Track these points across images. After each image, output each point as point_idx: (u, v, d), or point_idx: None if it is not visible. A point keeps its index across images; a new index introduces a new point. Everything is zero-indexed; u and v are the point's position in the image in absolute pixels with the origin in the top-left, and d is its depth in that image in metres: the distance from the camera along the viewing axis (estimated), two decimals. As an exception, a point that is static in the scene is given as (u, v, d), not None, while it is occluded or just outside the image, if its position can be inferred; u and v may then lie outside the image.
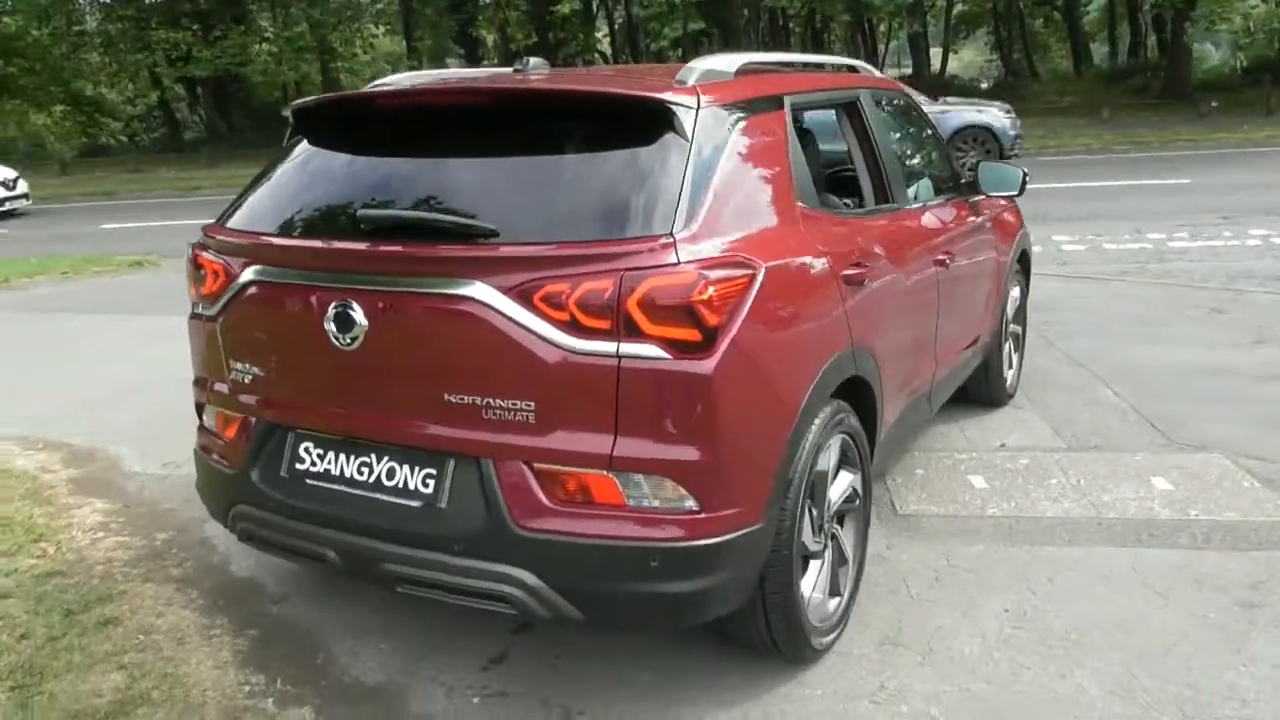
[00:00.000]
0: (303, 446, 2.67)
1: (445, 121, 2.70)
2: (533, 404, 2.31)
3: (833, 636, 2.89)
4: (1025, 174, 4.30)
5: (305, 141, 2.86)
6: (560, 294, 2.24)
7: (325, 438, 2.62)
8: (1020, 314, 5.21)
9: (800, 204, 2.78)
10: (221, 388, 2.82)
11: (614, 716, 2.67)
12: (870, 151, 3.52)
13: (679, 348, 2.25)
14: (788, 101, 2.93)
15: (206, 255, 2.78)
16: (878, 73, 4.06)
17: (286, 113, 2.91)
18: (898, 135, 3.92)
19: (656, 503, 2.32)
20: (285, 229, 2.65)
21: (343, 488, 2.58)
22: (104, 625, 3.13)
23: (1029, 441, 4.51)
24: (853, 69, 3.84)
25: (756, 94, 2.81)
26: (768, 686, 2.76)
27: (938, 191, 4.20)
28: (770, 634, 2.67)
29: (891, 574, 3.35)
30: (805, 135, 3.71)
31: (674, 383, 2.27)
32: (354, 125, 2.83)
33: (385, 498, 2.51)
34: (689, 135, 2.43)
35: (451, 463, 2.43)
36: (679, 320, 2.24)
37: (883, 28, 37.64)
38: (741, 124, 2.66)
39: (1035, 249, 9.71)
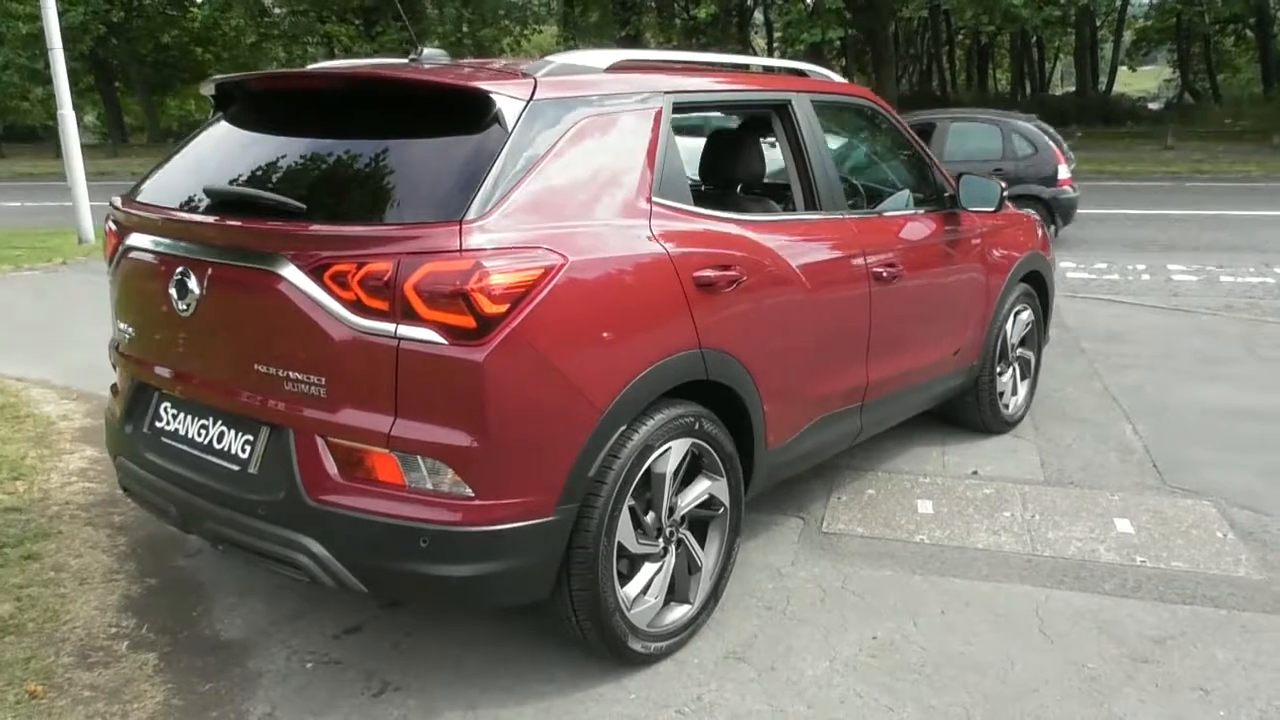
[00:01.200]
0: (163, 406, 2.83)
1: (306, 105, 2.82)
2: (324, 379, 2.39)
3: (669, 643, 2.84)
4: (1003, 189, 4.08)
5: (217, 118, 3.02)
6: (347, 273, 2.31)
7: (178, 399, 2.78)
8: (1033, 339, 4.94)
9: (661, 202, 2.75)
10: (114, 347, 3.02)
11: (423, 692, 2.71)
12: (799, 156, 3.43)
13: (454, 333, 2.28)
14: (667, 100, 2.89)
15: (109, 224, 2.98)
16: (836, 78, 3.93)
17: (205, 90, 3.08)
18: (845, 143, 3.80)
19: (432, 485, 2.36)
20: (160, 201, 2.81)
21: (185, 447, 2.72)
22: (25, 559, 3.39)
23: (1006, 472, 4.28)
24: (799, 72, 3.74)
25: (623, 90, 2.80)
26: (587, 686, 2.74)
27: (916, 204, 4.06)
28: (582, 631, 2.66)
29: (779, 590, 3.26)
30: (720, 134, 3.66)
31: (448, 368, 2.30)
32: (245, 105, 2.97)
33: (213, 459, 2.64)
34: (509, 126, 2.46)
35: (266, 431, 2.53)
36: (454, 307, 2.27)
37: (1056, 43, 35.99)
38: (591, 118, 2.66)
39: (1144, 277, 9.25)
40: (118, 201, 2.99)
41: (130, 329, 2.90)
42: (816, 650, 2.91)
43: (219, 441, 2.64)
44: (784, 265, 3.10)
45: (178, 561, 3.48)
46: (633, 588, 2.74)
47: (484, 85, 2.49)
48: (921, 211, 4.04)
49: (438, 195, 2.37)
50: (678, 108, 2.97)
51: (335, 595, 3.13)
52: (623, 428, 2.56)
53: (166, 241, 2.69)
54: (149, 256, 2.73)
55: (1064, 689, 2.72)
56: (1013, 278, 4.55)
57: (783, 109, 3.42)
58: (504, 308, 2.30)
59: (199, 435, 2.70)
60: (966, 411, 4.65)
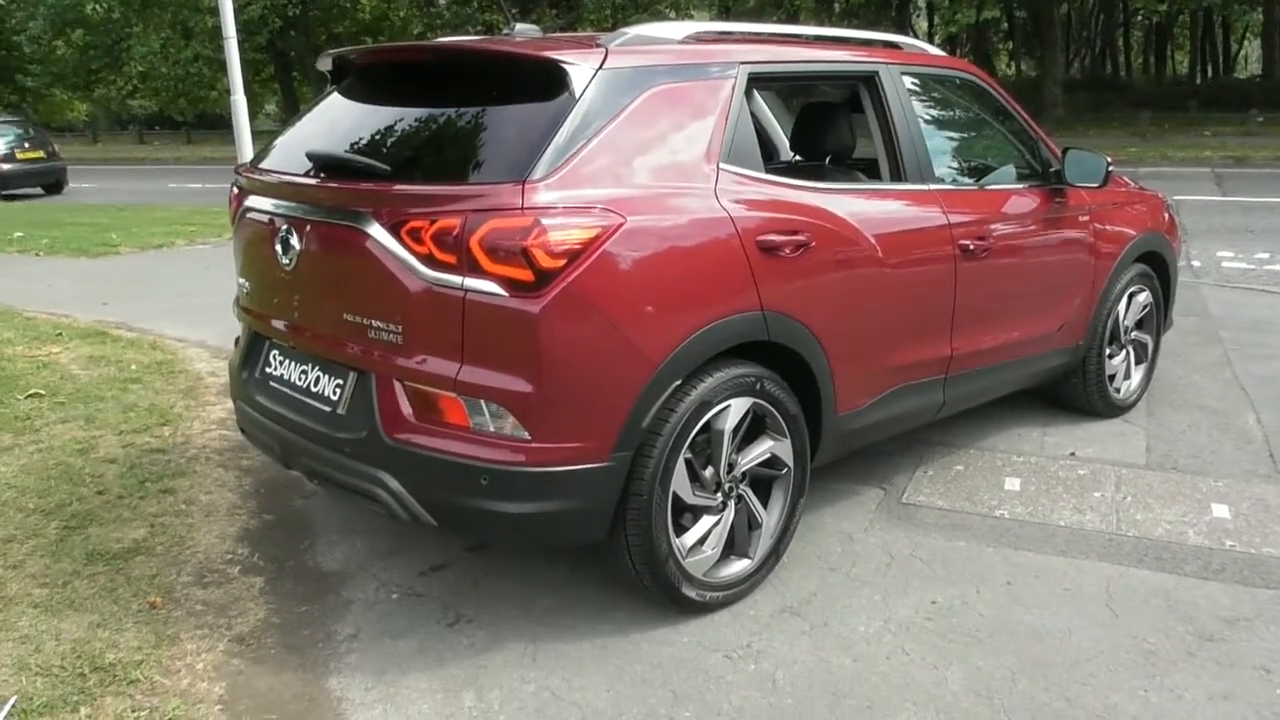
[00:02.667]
0: (272, 353, 3.14)
1: (403, 77, 3.05)
2: (401, 327, 2.61)
3: (726, 594, 2.96)
4: (1109, 163, 3.97)
5: (330, 92, 3.31)
6: (421, 229, 2.52)
7: (284, 347, 3.07)
8: (1151, 323, 4.77)
9: (729, 168, 2.85)
10: (236, 301, 3.35)
11: (492, 626, 2.91)
12: (886, 128, 3.46)
13: (514, 286, 2.46)
14: (743, 70, 2.99)
15: (232, 189, 3.31)
16: (933, 50, 3.91)
17: (323, 65, 3.37)
18: (940, 116, 3.78)
19: (494, 428, 2.55)
20: (273, 166, 3.11)
21: (288, 390, 3.01)
22: (163, 493, 3.79)
23: (1107, 454, 4.18)
24: (892, 45, 3.74)
25: (697, 60, 2.92)
26: (645, 628, 2.89)
27: (1019, 179, 4.01)
28: (637, 575, 2.80)
29: (846, 554, 3.32)
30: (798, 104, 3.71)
31: (508, 318, 2.48)
32: (353, 78, 3.23)
33: (310, 401, 2.91)
34: (577, 93, 2.61)
35: (353, 376, 2.78)
36: (514, 261, 2.44)
37: (1242, 21, 33.58)
38: (661, 87, 2.78)
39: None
40: (236, 169, 3.31)
41: (247, 284, 3.21)
42: (873, 610, 2.97)
43: (315, 385, 2.91)
44: (858, 234, 3.15)
45: (294, 502, 3.80)
46: (689, 537, 2.87)
47: (555, 55, 2.66)
48: (1022, 186, 3.98)
49: (507, 157, 2.56)
50: (755, 78, 3.06)
51: (426, 535, 3.38)
52: (678, 382, 2.68)
53: (273, 202, 2.97)
54: (261, 217, 3.02)
55: (1118, 660, 2.69)
56: (1126, 257, 4.42)
57: (870, 80, 3.45)
58: (561, 263, 2.46)
59: (300, 379, 2.97)
60: (1073, 393, 4.55)
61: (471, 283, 2.47)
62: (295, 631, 2.92)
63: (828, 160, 3.87)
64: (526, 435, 2.53)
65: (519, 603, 3.04)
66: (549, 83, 2.64)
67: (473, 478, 2.54)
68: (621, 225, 2.55)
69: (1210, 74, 34.48)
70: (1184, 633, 2.82)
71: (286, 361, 3.05)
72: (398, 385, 2.66)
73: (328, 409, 2.84)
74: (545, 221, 2.45)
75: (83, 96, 36.46)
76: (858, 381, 3.27)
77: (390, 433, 2.65)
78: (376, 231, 2.60)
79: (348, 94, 3.19)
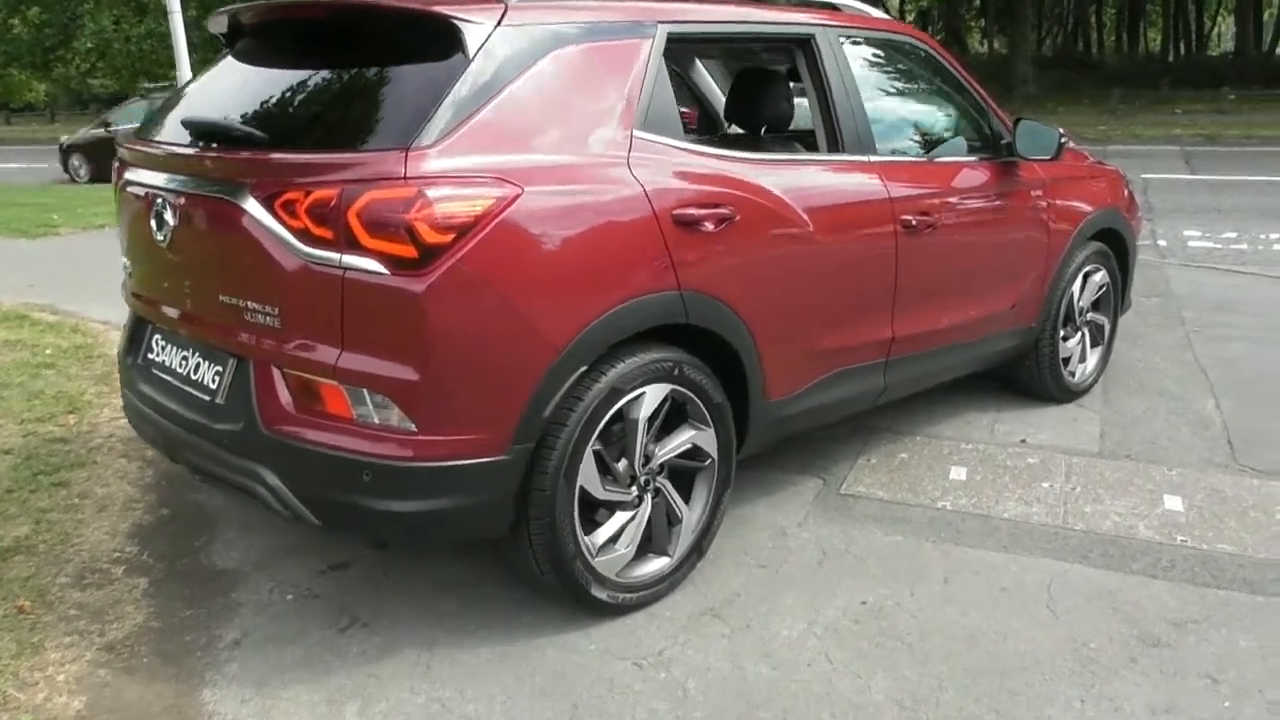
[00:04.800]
0: (154, 338, 2.89)
1: (295, 37, 2.80)
2: (278, 309, 2.38)
3: (641, 595, 2.76)
4: (1062, 135, 3.78)
5: (223, 55, 3.05)
6: (296, 201, 2.29)
7: (165, 330, 2.83)
8: (1108, 304, 4.59)
9: (644, 135, 2.63)
10: (123, 283, 3.10)
11: (387, 628, 2.71)
12: (822, 95, 3.25)
13: (396, 263, 2.23)
14: (661, 30, 2.76)
15: (115, 162, 3.05)
16: (875, 13, 3.69)
17: (215, 28, 3.11)
18: (880, 82, 3.57)
19: (378, 420, 2.33)
20: (154, 136, 2.85)
21: (169, 378, 2.77)
22: (56, 486, 3.54)
23: (1058, 441, 4.00)
24: (831, 6, 3.52)
25: (609, 18, 2.69)
26: (551, 632, 2.68)
27: (970, 152, 3.81)
28: (542, 575, 2.60)
29: (777, 549, 3.13)
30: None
31: (390, 299, 2.26)
32: (244, 40, 2.98)
33: (190, 390, 2.68)
34: (470, 52, 2.38)
35: (232, 362, 2.55)
36: (396, 235, 2.22)
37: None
38: (567, 45, 2.56)
39: (1276, 247, 8.53)
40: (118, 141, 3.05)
41: (129, 263, 2.96)
42: (799, 612, 2.78)
43: (195, 372, 2.68)
44: (788, 208, 2.94)
45: (195, 496, 3.57)
46: (601, 534, 2.67)
47: (448, 11, 2.42)
48: (971, 159, 3.78)
49: (394, 123, 2.33)
50: (677, 39, 2.83)
51: (330, 533, 3.15)
52: (584, 369, 2.47)
53: (149, 175, 2.73)
54: (139, 191, 2.78)
55: (1055, 667, 2.51)
56: (1081, 234, 4.23)
57: (805, 44, 3.23)
58: (448, 238, 2.23)
59: (180, 366, 2.74)
60: (1026, 377, 4.37)
61: (350, 260, 2.25)
62: (175, 637, 2.70)
63: (763, 131, 3.65)
64: (413, 427, 2.31)
65: (420, 605, 2.82)
66: (442, 41, 2.41)
67: (355, 473, 2.33)
68: (518, 197, 2.32)
69: (1183, 51, 34.45)
70: (1127, 636, 2.64)
71: (168, 347, 2.82)
72: (276, 373, 2.43)
73: (207, 398, 2.61)
74: (430, 193, 2.22)
75: (41, 76, 35.56)
76: (789, 366, 3.07)
77: (268, 424, 2.43)
78: (250, 205, 2.37)
79: (240, 57, 2.94)
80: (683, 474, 2.88)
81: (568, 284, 2.42)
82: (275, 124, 2.53)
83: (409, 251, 2.22)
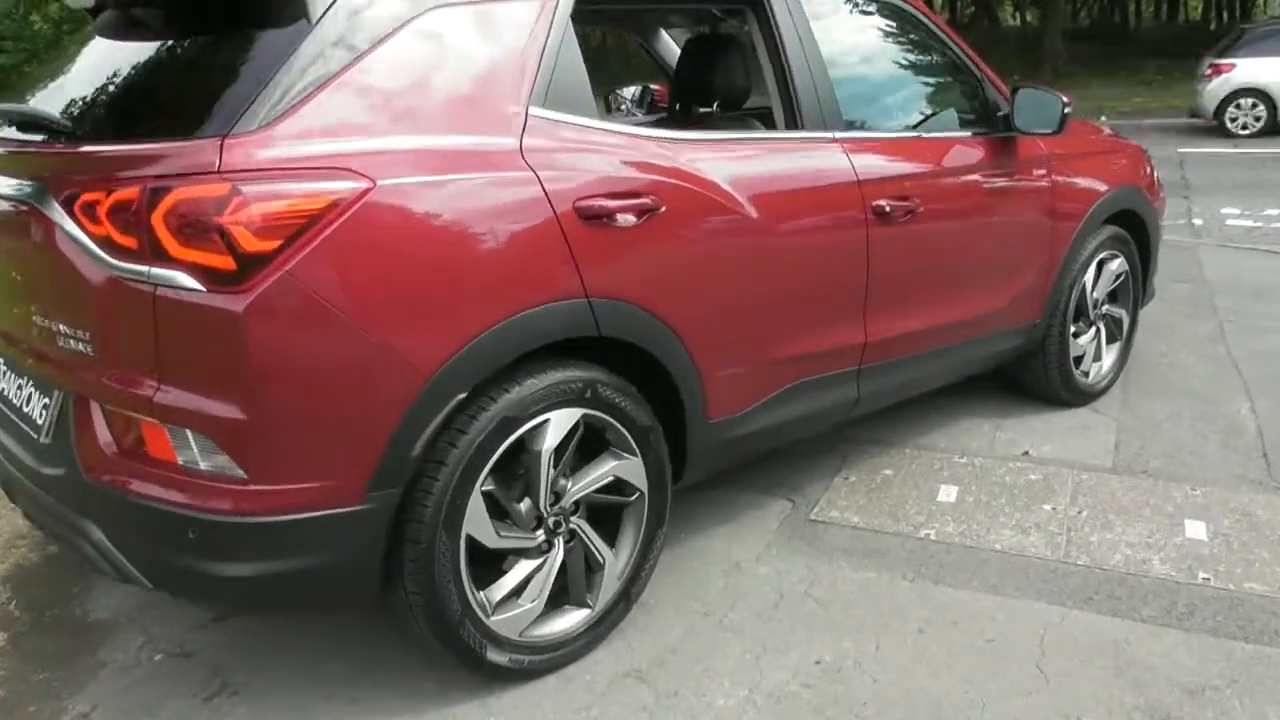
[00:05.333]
0: (-1, 361, 2.52)
1: (144, 6, 2.38)
2: (89, 333, 2.00)
3: (553, 656, 2.36)
4: (1065, 105, 3.29)
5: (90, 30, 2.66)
6: (97, 203, 1.89)
7: (6, 353, 2.45)
8: (1126, 294, 4.10)
9: (542, 113, 2.21)
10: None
11: (258, 697, 2.32)
12: (777, 63, 2.80)
13: (211, 278, 1.83)
14: (566, -10, 2.33)
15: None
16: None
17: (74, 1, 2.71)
18: (849, 46, 3.11)
19: (206, 466, 1.93)
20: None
21: (5, 408, 2.40)
22: (-62, 518, 3.19)
23: (1066, 454, 3.53)
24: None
25: (500, -23, 2.26)
26: (448, 702, 2.29)
27: (962, 126, 3.35)
28: (426, 640, 2.20)
29: (727, 590, 2.71)
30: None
31: (206, 321, 1.86)
32: (105, 11, 2.58)
33: (22, 424, 2.30)
34: (314, 15, 1.97)
35: (58, 395, 2.16)
36: (208, 243, 1.82)
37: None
38: (442, 7, 2.13)
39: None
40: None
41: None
42: (740, 674, 2.35)
43: (27, 405, 2.30)
44: (727, 195, 2.50)
45: (92, 526, 3.20)
46: (498, 590, 2.26)
47: (286, -30, 2.00)
48: (958, 135, 3.32)
49: (215, 104, 1.92)
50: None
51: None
52: (460, 397, 2.06)
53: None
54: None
55: (1040, 751, 2.07)
56: (1094, 217, 3.74)
57: (757, 4, 2.78)
58: (273, 244, 1.83)
59: (15, 396, 2.36)
60: (1032, 378, 3.90)
61: (160, 273, 1.85)
62: (19, 708, 2.33)
63: (716, 107, 3.20)
64: (243, 475, 1.91)
65: (305, 667, 2.44)
66: (276, 8, 2.00)
67: (179, 530, 1.94)
68: (368, 192, 1.91)
69: (1226, 20, 33.21)
70: (1130, 708, 2.20)
71: (7, 373, 2.44)
72: (95, 409, 2.04)
73: (34, 435, 2.23)
74: (248, 189, 1.82)
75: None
76: (736, 380, 2.64)
77: (89, 470, 2.05)
78: (53, 208, 1.98)
79: (99, 31, 2.54)
80: (607, 511, 2.46)
81: (436, 298, 2.01)
82: (95, 110, 2.14)
83: (225, 263, 1.82)
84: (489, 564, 2.27)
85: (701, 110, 3.29)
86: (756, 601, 2.66)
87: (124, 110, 2.14)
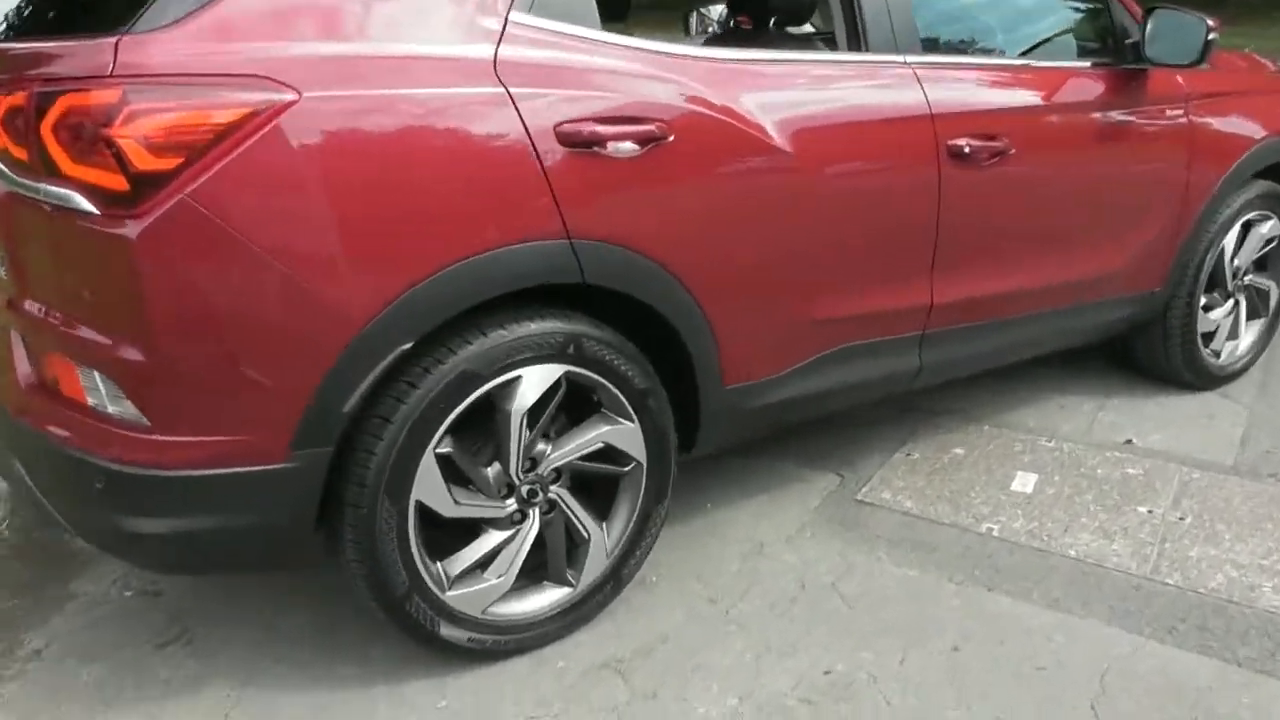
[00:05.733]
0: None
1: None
2: (3, 255, 1.81)
3: (523, 636, 2.11)
4: (1210, 31, 2.73)
5: None
6: (-9, 110, 1.69)
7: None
8: (1276, 264, 3.50)
9: (527, 21, 1.89)
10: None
11: (209, 651, 2.17)
12: (838, -27, 2.38)
13: (104, 199, 1.60)
14: None
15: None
16: None
17: None
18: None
19: (114, 410, 1.73)
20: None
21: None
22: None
23: (1178, 446, 3.04)
24: None
25: None
26: (399, 677, 2.08)
27: (1065, 53, 2.86)
28: (376, 610, 1.98)
29: (742, 575, 2.40)
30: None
31: (100, 247, 1.64)
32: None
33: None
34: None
35: None
36: (99, 159, 1.58)
37: None
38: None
39: None
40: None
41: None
42: (734, 676, 2.05)
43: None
44: (756, 126, 2.13)
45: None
46: (459, 562, 2.02)
47: None
48: (1074, 64, 2.82)
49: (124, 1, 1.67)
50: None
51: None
52: (404, 347, 1.79)
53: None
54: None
55: (1068, 820, 1.70)
56: (1240, 170, 3.16)
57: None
58: (171, 163, 1.58)
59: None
60: (1148, 354, 3.39)
61: (54, 191, 1.63)
62: (-23, 637, 2.25)
63: (772, 24, 2.79)
64: (146, 423, 1.70)
65: (261, 620, 2.27)
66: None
67: (88, 479, 1.75)
68: (292, 105, 1.64)
69: None
70: (1191, 770, 1.79)
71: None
72: (16, 341, 1.87)
73: None
74: (141, 97, 1.57)
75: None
76: (763, 341, 2.30)
77: (12, 408, 1.88)
78: None
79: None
80: (601, 482, 2.18)
81: (373, 234, 1.73)
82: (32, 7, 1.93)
83: (116, 182, 1.58)
84: (462, 532, 2.03)
85: (756, 28, 2.87)
86: (773, 591, 2.33)
87: (28, 6, 1.92)
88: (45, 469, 1.84)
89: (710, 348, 2.18)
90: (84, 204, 1.60)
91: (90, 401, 1.74)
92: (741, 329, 2.22)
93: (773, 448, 2.92)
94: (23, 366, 1.85)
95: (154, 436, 1.69)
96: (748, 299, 2.21)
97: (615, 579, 2.21)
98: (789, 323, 2.32)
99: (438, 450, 1.88)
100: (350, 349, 1.73)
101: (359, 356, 1.74)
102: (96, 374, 1.71)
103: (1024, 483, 2.81)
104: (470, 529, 2.04)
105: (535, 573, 2.14)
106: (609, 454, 2.13)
